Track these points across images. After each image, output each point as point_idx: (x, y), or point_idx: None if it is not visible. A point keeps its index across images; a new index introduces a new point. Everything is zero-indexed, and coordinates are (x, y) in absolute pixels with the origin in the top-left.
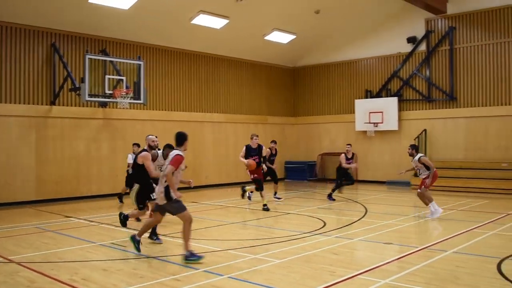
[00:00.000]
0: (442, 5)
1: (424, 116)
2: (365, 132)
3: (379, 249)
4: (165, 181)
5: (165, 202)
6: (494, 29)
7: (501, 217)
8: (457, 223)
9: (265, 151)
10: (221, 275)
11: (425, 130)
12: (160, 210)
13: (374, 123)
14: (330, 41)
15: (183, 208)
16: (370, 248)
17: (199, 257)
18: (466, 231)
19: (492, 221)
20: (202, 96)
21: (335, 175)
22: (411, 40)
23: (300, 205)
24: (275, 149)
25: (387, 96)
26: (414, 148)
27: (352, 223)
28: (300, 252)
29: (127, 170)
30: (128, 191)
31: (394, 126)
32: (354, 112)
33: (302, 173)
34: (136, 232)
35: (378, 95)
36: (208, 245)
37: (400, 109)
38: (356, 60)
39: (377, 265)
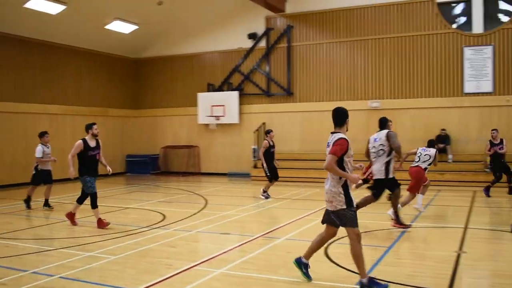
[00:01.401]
0: (281, 4)
1: (263, 110)
2: (207, 125)
3: (218, 239)
4: (340, 178)
5: (343, 207)
6: (328, 29)
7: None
8: (291, 211)
9: (265, 144)
10: (52, 276)
11: (264, 123)
12: (330, 220)
13: (216, 116)
14: (174, 33)
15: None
16: (208, 239)
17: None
18: (299, 219)
19: (322, 209)
20: (36, 86)
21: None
22: (252, 36)
23: (141, 199)
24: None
25: (228, 90)
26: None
27: (192, 215)
28: (137, 247)
29: (36, 166)
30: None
31: (235, 120)
32: (197, 105)
33: (145, 167)
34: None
35: (220, 88)
36: (37, 245)
37: (241, 103)
38: (199, 54)
39: (214, 255)
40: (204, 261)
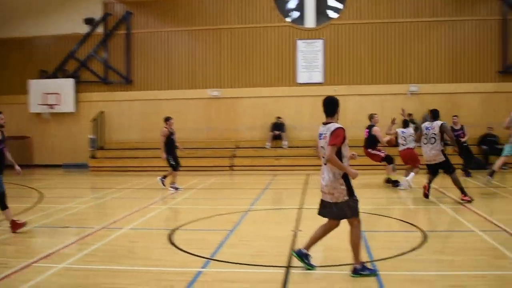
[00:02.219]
0: None
1: (101, 98)
2: (40, 114)
3: (57, 234)
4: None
5: (345, 199)
6: (168, 18)
7: (174, 193)
8: (134, 201)
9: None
10: None
11: (102, 112)
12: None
13: (50, 105)
14: (1, 15)
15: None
16: (47, 234)
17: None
18: (142, 208)
19: (165, 197)
20: None
21: None
22: (88, 21)
23: None
24: None
25: (63, 77)
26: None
27: (26, 210)
28: None
29: None
30: None
31: (71, 108)
32: (28, 93)
33: None
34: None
35: (54, 75)
36: None
37: (77, 91)
38: (30, 38)
39: (54, 250)
40: (44, 257)
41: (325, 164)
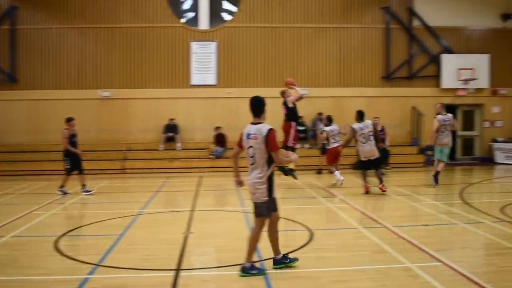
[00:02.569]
0: None
1: None
2: None
3: None
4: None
5: (265, 199)
6: (57, 14)
7: (62, 197)
8: (17, 207)
9: None
10: None
11: None
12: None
13: None
14: None
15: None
16: None
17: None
18: (26, 214)
19: (51, 202)
20: None
21: None
22: None
23: None
24: None
25: None
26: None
27: None
28: None
29: None
30: None
31: None
32: None
33: None
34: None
35: None
36: None
37: None
38: None
39: None
40: None
41: (251, 164)
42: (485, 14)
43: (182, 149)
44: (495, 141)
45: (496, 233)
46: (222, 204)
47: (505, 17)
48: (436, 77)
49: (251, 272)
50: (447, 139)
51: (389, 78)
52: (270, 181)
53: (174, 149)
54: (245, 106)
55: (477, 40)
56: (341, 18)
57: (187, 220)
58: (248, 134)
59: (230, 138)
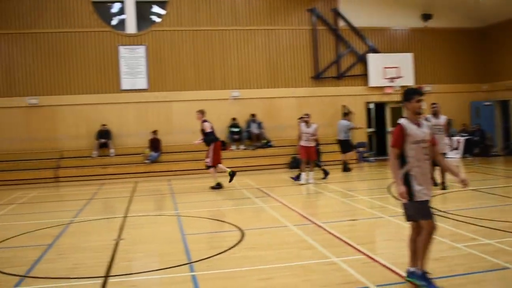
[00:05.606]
0: None
1: None
2: None
3: None
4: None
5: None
6: None
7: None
8: None
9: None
10: None
11: None
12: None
13: None
14: None
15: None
16: None
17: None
18: None
19: None
20: None
21: None
22: None
23: None
24: None
25: None
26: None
27: None
28: None
29: None
30: None
31: None
32: None
33: None
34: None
35: None
36: None
37: None
38: None
39: None
40: None
41: None
42: (407, 15)
43: (116, 155)
44: None
45: None
46: (156, 209)
47: (426, 17)
48: (363, 76)
49: (418, 282)
50: None
51: (318, 78)
52: (406, 180)
53: (107, 156)
54: (178, 109)
55: (401, 39)
56: (268, 21)
57: (119, 226)
58: None
59: (164, 142)
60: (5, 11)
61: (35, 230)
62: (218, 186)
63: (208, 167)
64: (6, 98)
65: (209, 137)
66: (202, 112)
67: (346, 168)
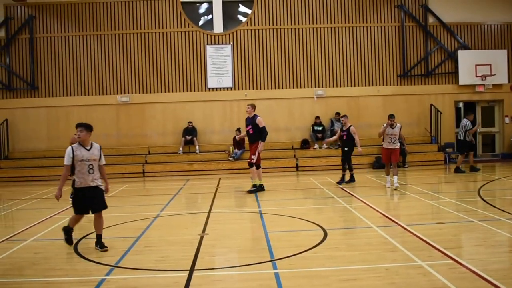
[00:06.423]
0: None
1: (5, 106)
2: None
3: None
4: None
5: None
6: (74, 22)
7: None
8: (39, 211)
9: None
10: None
11: (6, 120)
12: None
13: None
14: None
15: None
16: None
17: None
18: (48, 218)
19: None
20: None
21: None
22: None
23: None
24: None
25: None
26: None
27: None
28: None
29: None
30: None
31: None
32: None
33: None
34: None
35: None
36: None
37: None
38: None
39: None
40: None
41: None
42: (501, 9)
43: (201, 152)
44: None
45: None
46: (239, 206)
47: None
48: (453, 74)
49: None
50: None
51: (406, 75)
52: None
53: (193, 152)
54: (261, 107)
55: (494, 35)
56: (355, 17)
57: (204, 221)
58: None
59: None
60: (96, 14)
61: (124, 222)
62: (260, 188)
63: (251, 166)
64: (99, 96)
65: (263, 133)
66: (253, 107)
67: (473, 168)
